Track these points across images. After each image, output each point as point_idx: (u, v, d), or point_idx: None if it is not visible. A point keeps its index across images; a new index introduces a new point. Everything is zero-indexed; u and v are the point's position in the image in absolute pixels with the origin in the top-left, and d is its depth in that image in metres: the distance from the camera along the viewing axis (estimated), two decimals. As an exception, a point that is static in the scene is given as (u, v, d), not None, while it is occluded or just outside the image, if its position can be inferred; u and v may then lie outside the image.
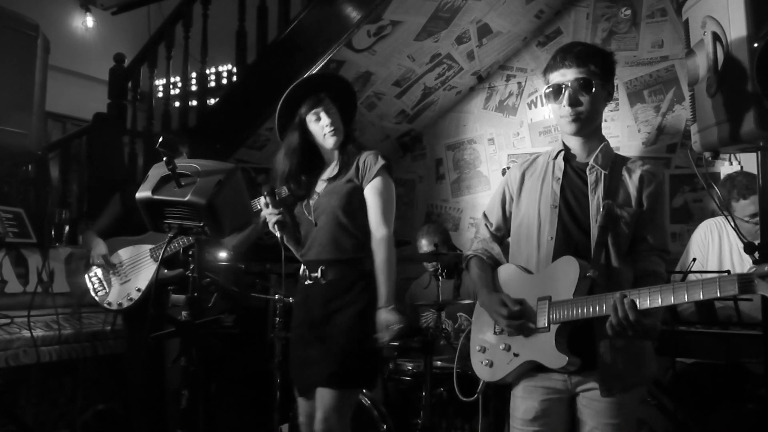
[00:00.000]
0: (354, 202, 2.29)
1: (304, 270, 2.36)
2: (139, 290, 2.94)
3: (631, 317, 1.62)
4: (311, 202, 2.37)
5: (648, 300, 1.63)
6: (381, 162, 2.29)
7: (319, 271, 2.28)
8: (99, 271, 3.05)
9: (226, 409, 3.51)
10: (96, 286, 3.05)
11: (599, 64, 1.88)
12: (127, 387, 3.06)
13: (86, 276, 3.06)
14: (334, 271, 2.28)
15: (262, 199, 2.30)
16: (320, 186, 2.38)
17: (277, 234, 2.25)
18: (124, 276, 3.03)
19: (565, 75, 1.87)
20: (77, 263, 3.10)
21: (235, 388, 3.54)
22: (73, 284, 3.10)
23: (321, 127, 2.32)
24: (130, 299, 2.96)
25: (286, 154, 2.38)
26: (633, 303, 1.63)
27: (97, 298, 3.03)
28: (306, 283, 2.33)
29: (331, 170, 2.38)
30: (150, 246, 3.04)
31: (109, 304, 3.00)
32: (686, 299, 1.56)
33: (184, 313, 2.14)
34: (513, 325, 1.84)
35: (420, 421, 2.90)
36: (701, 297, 1.54)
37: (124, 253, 3.07)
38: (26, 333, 2.66)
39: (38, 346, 2.68)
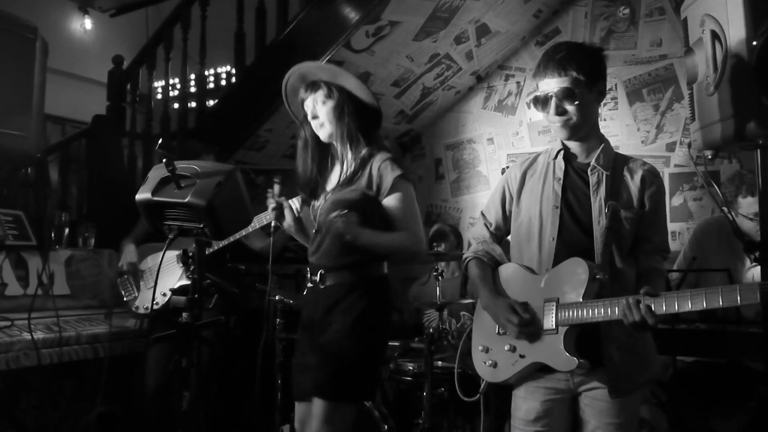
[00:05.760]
0: (360, 211, 2.11)
1: (309, 273, 2.28)
2: (164, 295, 2.99)
3: (650, 322, 1.62)
4: (317, 204, 2.25)
5: (664, 306, 1.61)
6: (397, 171, 2.11)
7: (318, 275, 2.20)
8: (130, 276, 3.20)
9: (227, 411, 3.51)
10: (126, 290, 3.20)
11: (583, 67, 1.82)
12: (142, 389, 3.08)
13: (118, 280, 3.22)
14: (333, 276, 2.18)
15: (276, 187, 2.24)
16: (329, 186, 2.25)
17: (273, 223, 2.21)
18: (152, 281, 3.12)
19: (549, 84, 1.84)
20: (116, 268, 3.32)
21: (236, 389, 3.54)
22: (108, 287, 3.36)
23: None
24: (156, 303, 3.02)
25: (302, 148, 2.28)
26: (649, 308, 1.62)
27: (129, 300, 3.19)
28: (308, 286, 2.27)
29: (341, 173, 2.21)
30: (177, 252, 3.05)
31: (137, 307, 3.14)
32: (704, 306, 1.54)
33: (184, 314, 2.13)
34: (524, 332, 1.83)
35: (421, 422, 2.90)
36: (720, 304, 1.50)
37: (152, 260, 3.18)
38: (27, 335, 2.65)
39: (39, 349, 2.66)
